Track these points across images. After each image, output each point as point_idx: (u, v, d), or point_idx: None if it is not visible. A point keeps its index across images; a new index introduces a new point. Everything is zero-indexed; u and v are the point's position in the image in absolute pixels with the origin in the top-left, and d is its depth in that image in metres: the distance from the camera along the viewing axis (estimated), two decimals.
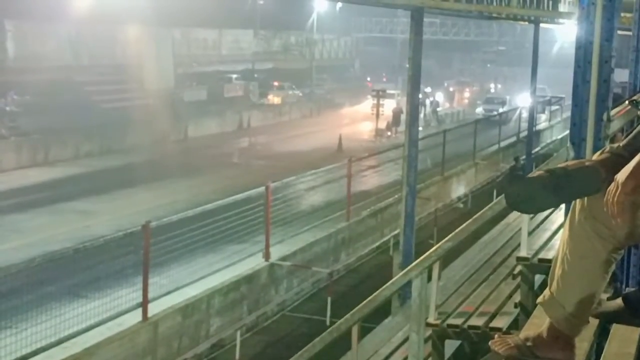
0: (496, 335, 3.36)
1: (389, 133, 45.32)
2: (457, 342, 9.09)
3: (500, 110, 50.51)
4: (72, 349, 11.13)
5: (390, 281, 6.24)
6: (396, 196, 20.47)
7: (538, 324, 3.41)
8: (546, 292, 3.19)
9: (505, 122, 36.80)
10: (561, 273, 3.10)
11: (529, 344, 3.21)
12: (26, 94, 37.41)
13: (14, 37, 39.66)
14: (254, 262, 16.26)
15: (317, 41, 68.90)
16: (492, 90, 72.80)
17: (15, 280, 13.02)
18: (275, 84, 60.78)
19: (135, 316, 12.53)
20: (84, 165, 32.54)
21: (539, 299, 3.23)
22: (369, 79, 76.61)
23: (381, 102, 47.51)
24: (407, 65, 15.92)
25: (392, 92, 53.24)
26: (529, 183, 2.85)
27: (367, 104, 54.48)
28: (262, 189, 16.61)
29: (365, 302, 6.01)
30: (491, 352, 3.36)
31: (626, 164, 2.76)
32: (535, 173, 2.90)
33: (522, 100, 45.64)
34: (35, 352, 10.51)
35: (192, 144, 39.60)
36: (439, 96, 62.43)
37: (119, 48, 45.29)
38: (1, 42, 38.86)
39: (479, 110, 56.25)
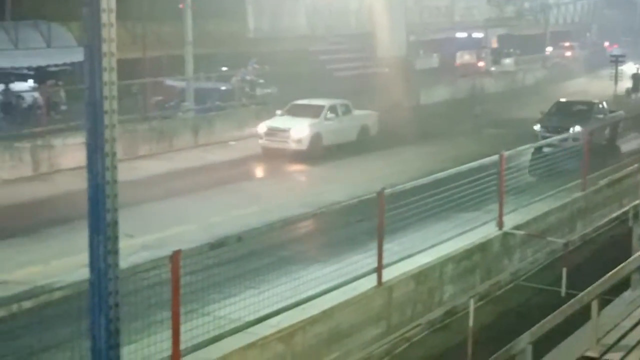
0: None
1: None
2: None
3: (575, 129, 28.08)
4: (310, 311, 11.47)
5: (634, 255, 6.07)
6: (635, 165, 19.68)
7: None
8: None
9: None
10: None
11: None
12: (265, 64, 38.72)
13: (254, 10, 41.16)
14: (487, 231, 16.11)
15: (552, 6, 66.89)
16: None
17: (256, 243, 13.69)
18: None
19: (370, 281, 12.76)
20: None
21: None
22: (607, 43, 73.56)
23: None
24: None
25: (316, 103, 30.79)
26: None
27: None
28: (495, 157, 16.42)
29: (607, 276, 5.89)
30: None
31: None
32: None
33: None
34: (277, 312, 10.94)
35: (425, 111, 39.64)
36: None
37: (353, 18, 46.00)
38: (242, 15, 40.42)
39: (537, 128, 30.87)
